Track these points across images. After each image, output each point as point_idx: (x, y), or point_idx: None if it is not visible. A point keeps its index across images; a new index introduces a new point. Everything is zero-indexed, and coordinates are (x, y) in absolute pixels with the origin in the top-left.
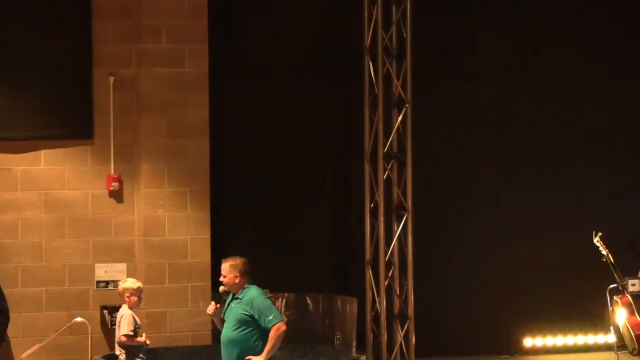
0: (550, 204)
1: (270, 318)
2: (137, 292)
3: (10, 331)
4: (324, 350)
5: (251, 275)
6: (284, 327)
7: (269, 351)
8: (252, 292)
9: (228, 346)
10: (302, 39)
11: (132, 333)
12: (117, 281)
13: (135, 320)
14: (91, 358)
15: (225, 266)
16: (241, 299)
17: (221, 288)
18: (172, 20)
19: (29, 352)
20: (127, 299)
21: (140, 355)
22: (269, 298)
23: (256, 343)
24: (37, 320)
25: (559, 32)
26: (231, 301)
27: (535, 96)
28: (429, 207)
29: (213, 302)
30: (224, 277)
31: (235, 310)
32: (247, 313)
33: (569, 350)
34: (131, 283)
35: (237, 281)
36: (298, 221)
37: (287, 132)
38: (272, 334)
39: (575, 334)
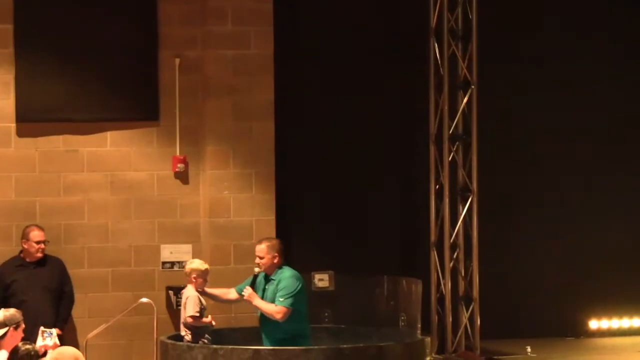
0: (618, 187)
1: (281, 300)
2: (204, 274)
3: (76, 312)
4: (388, 332)
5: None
6: (280, 315)
7: (259, 305)
8: (286, 273)
9: (266, 326)
10: (368, 21)
11: (197, 314)
12: (182, 262)
13: (201, 301)
14: (157, 338)
15: (262, 247)
16: (275, 280)
17: (256, 270)
18: (238, 3)
19: (94, 332)
20: (194, 280)
21: (206, 336)
22: (301, 281)
23: (295, 325)
24: (103, 300)
25: (628, 17)
26: (265, 283)
27: (603, 80)
28: (494, 189)
29: (249, 288)
30: (261, 258)
31: (270, 291)
32: None
33: (635, 332)
34: (198, 264)
35: (275, 261)
36: (363, 203)
37: (352, 114)
38: (273, 307)
39: None
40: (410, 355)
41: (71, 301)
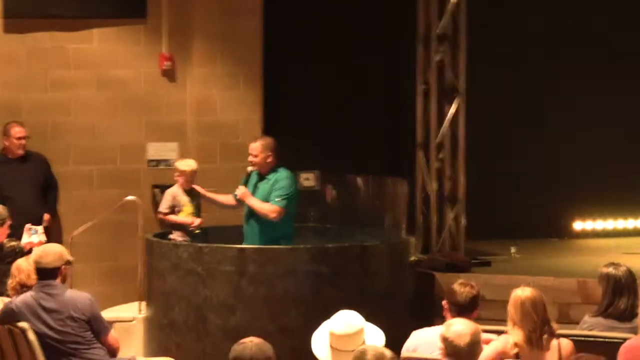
0: (607, 89)
1: (277, 200)
2: (187, 174)
3: (62, 209)
4: (373, 232)
5: (282, 157)
6: (275, 215)
7: (252, 204)
8: (282, 174)
9: (252, 223)
10: None
11: (166, 211)
12: (168, 160)
13: (176, 198)
14: (142, 236)
15: (256, 146)
16: (270, 180)
17: (249, 168)
18: None
19: (80, 229)
20: (176, 179)
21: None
22: (295, 184)
23: (283, 226)
24: (88, 198)
25: None
26: (258, 181)
27: None
28: (481, 90)
29: (242, 187)
30: (255, 156)
31: (262, 189)
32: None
33: (619, 234)
34: (180, 165)
35: (268, 161)
36: (349, 103)
37: (339, 13)
38: (267, 206)
39: (626, 217)
40: (394, 254)
41: (57, 190)
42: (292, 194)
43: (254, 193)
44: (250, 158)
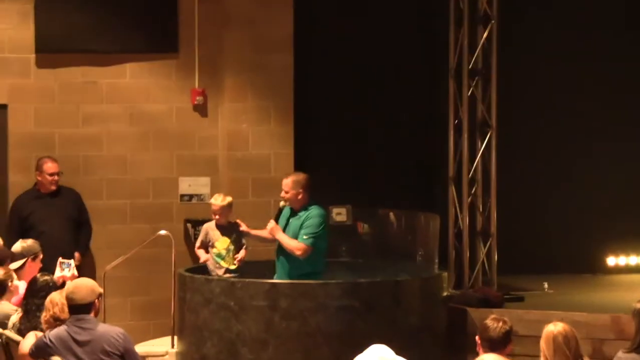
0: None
1: (305, 237)
2: (221, 209)
3: (95, 243)
4: (405, 267)
5: (313, 192)
6: (300, 252)
7: (280, 238)
8: (314, 212)
9: (282, 259)
10: None
11: (198, 244)
12: (201, 195)
13: (208, 234)
14: (175, 271)
15: (288, 182)
16: (300, 216)
17: (281, 203)
18: None
19: (113, 264)
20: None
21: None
22: (326, 221)
23: (312, 263)
24: (121, 232)
25: None
26: (290, 217)
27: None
28: (513, 125)
29: (272, 221)
30: (286, 192)
31: (293, 226)
32: None
33: None
34: (213, 199)
35: (299, 197)
36: (382, 137)
37: (371, 48)
38: (295, 243)
39: None
40: (427, 289)
41: (90, 228)
42: (320, 231)
43: (285, 228)
44: (282, 194)
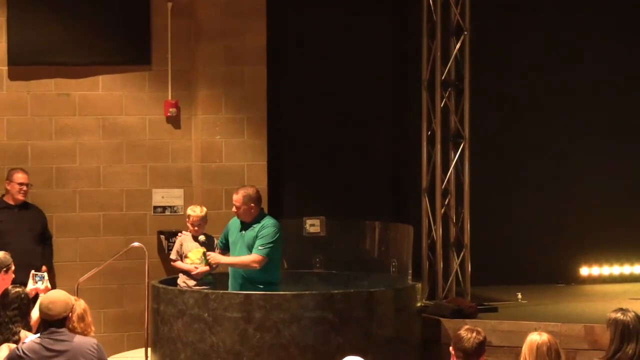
0: (611, 131)
1: (260, 248)
2: (194, 219)
3: (68, 256)
4: (379, 278)
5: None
6: (256, 264)
7: (231, 262)
8: (268, 222)
9: (236, 272)
10: None
11: (173, 257)
12: (174, 207)
13: (183, 245)
14: (148, 283)
15: (238, 197)
16: (255, 228)
17: (201, 238)
18: None
19: (86, 276)
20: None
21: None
22: (279, 233)
23: (267, 273)
24: (94, 244)
25: None
26: (242, 229)
27: (600, 29)
28: (486, 136)
29: (213, 253)
30: (237, 208)
31: (248, 237)
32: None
33: (626, 279)
34: (189, 211)
35: (252, 211)
36: (355, 149)
37: (343, 59)
38: (246, 258)
39: (632, 263)
40: (401, 300)
41: (52, 246)
42: (274, 241)
43: (239, 240)
44: (233, 209)
